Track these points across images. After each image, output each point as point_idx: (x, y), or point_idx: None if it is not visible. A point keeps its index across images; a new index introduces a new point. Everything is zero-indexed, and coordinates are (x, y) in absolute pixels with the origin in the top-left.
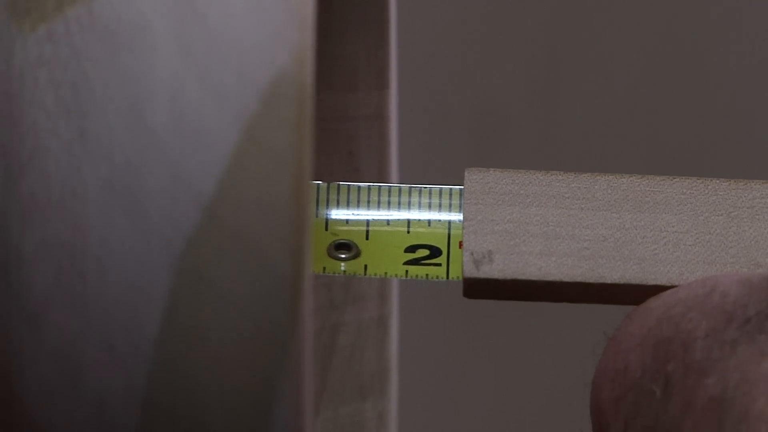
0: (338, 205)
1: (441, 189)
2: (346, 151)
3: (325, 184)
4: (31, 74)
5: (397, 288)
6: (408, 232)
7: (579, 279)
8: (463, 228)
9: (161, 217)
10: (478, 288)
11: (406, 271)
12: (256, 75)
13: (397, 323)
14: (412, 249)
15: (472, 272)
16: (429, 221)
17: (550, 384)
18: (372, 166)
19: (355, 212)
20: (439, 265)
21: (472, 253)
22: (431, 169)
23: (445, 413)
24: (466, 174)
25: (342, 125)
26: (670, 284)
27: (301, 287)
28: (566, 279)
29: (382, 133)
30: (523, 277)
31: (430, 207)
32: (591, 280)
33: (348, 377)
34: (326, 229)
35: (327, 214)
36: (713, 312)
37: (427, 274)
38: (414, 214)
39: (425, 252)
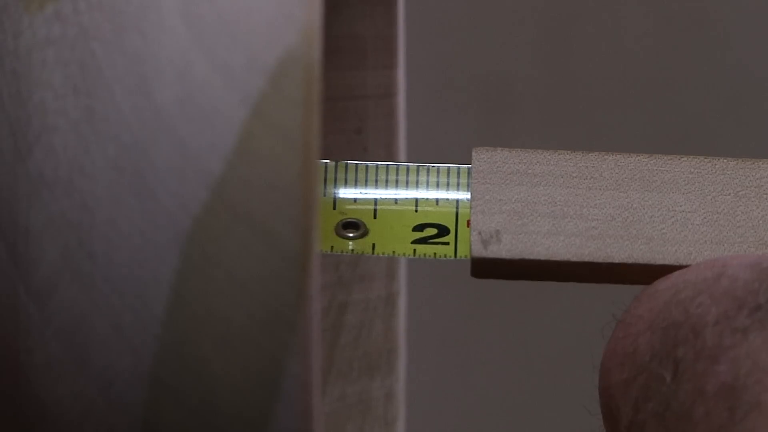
0: (346, 183)
1: (449, 168)
2: (354, 130)
3: (333, 163)
4: (38, 53)
5: (405, 267)
6: (416, 210)
7: (587, 259)
8: (470, 207)
9: (168, 196)
10: (485, 268)
11: (414, 250)
12: (265, 54)
13: (404, 302)
14: (420, 228)
15: (480, 252)
16: (437, 200)
17: (558, 364)
18: (380, 144)
19: (363, 191)
20: (447, 243)
21: (479, 233)
22: (439, 147)
23: (453, 392)
24: (473, 153)
25: (350, 104)
26: (678, 264)
27: (309, 266)
28: (574, 259)
29: (390, 112)
30: (531, 257)
31: (438, 186)
32: (599, 260)
33: (355, 356)
34: (334, 208)
35: (335, 193)
36: (723, 297)
37: (435, 253)
38: (422, 193)
39: (433, 231)
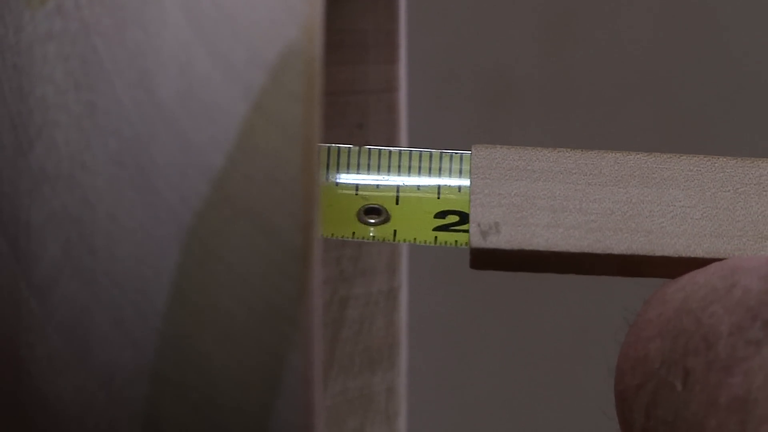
0: (369, 169)
1: (471, 155)
2: (355, 124)
3: (357, 148)
4: (40, 48)
5: (407, 261)
6: (438, 197)
7: (586, 250)
8: (470, 201)
9: (170, 190)
10: (484, 258)
11: (436, 237)
12: (266, 48)
13: (406, 296)
14: (441, 215)
15: (478, 243)
16: (459, 187)
17: (558, 360)
18: (381, 139)
19: (386, 177)
20: (468, 231)
21: (479, 224)
22: (441, 142)
23: (455, 387)
24: (473, 150)
25: (351, 99)
26: (677, 255)
27: (311, 260)
28: (573, 250)
29: (392, 107)
30: (530, 248)
31: (460, 173)
32: (598, 251)
33: (357, 350)
34: (356, 193)
35: (357, 179)
36: (736, 308)
37: (456, 241)
38: (444, 180)
39: (455, 218)
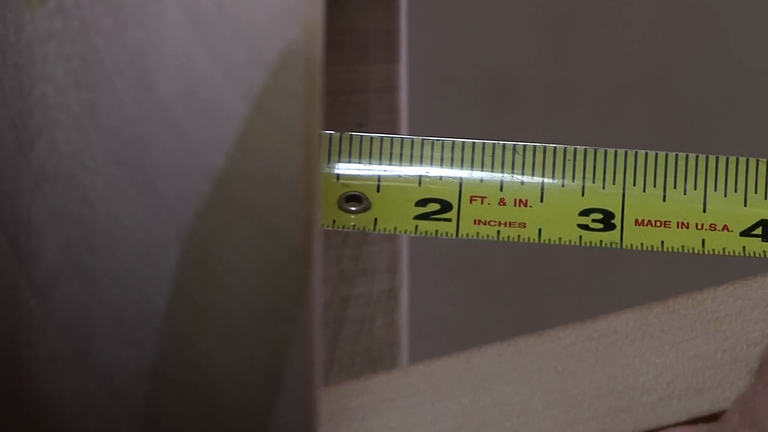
0: (350, 156)
1: (453, 142)
2: (355, 123)
3: (338, 135)
4: (40, 47)
5: (407, 261)
6: (419, 185)
7: None
8: None
9: (170, 190)
10: None
11: (416, 226)
12: (266, 48)
13: (406, 296)
14: (422, 203)
15: None
16: (441, 176)
17: None
18: None
19: (367, 165)
20: (449, 220)
21: None
22: None
23: None
24: None
25: (352, 98)
26: None
27: (311, 259)
28: None
29: (392, 106)
30: None
31: (442, 161)
32: None
33: (357, 350)
34: (337, 180)
35: (338, 166)
36: None
37: (437, 230)
38: (426, 168)
39: (436, 206)
